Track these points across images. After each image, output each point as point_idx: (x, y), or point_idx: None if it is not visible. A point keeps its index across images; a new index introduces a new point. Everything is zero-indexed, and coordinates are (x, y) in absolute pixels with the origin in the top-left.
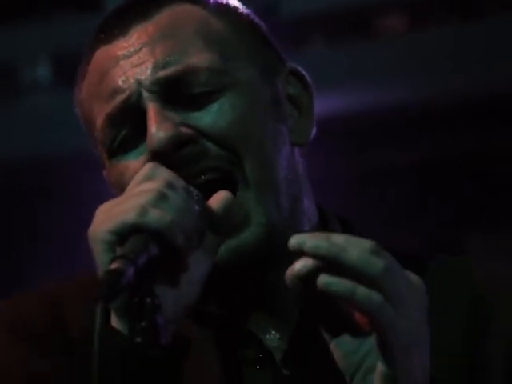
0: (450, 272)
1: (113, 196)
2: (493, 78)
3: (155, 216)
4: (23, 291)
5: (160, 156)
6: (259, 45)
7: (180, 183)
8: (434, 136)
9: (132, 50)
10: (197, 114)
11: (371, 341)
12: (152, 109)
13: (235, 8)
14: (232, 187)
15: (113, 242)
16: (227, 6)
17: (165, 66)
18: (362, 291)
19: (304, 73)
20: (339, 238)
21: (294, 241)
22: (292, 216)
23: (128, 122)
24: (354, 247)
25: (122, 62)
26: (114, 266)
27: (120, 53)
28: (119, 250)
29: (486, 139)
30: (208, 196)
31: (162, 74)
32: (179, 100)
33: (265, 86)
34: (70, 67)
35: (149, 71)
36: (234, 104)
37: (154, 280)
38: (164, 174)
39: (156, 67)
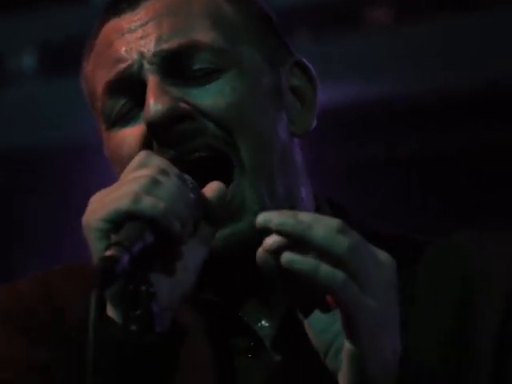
0: (443, 256)
1: (102, 185)
2: (484, 73)
3: (149, 203)
4: (18, 279)
5: (155, 128)
6: (267, 34)
7: (174, 170)
8: (423, 130)
9: (138, 23)
10: (196, 92)
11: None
12: (152, 81)
13: None
14: (226, 168)
15: (107, 230)
16: None
17: (168, 39)
18: (325, 269)
19: (309, 65)
20: (306, 216)
21: (261, 218)
22: (287, 204)
23: (127, 92)
24: (320, 225)
25: (127, 35)
26: (108, 253)
27: (126, 26)
28: (114, 238)
29: (475, 134)
30: (201, 177)
31: (165, 46)
32: (180, 75)
33: (268, 74)
34: (55, 56)
35: (152, 43)
36: (234, 86)
37: (149, 268)
38: (157, 161)
39: (160, 40)
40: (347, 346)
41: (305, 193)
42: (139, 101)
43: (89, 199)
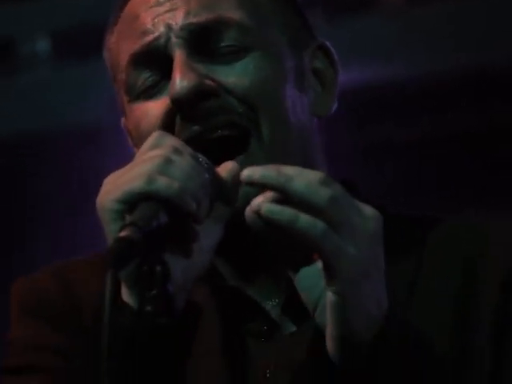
0: (456, 232)
1: (115, 169)
2: (495, 55)
3: (163, 183)
4: (37, 270)
5: (181, 104)
6: (292, 16)
7: (187, 150)
8: (435, 112)
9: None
10: (222, 69)
11: None
12: (179, 56)
13: None
14: (244, 142)
15: (121, 211)
16: None
17: (196, 14)
18: (304, 218)
19: (331, 49)
20: (290, 169)
21: (245, 172)
22: None
23: (153, 64)
24: (302, 177)
25: (154, 8)
26: (123, 233)
27: None
28: (128, 218)
29: (487, 116)
30: (220, 155)
31: (193, 20)
32: (206, 51)
33: (291, 56)
34: (69, 41)
35: (180, 17)
36: (259, 65)
37: (164, 248)
38: (171, 141)
39: (188, 14)
40: (329, 295)
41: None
42: (165, 74)
43: (101, 183)
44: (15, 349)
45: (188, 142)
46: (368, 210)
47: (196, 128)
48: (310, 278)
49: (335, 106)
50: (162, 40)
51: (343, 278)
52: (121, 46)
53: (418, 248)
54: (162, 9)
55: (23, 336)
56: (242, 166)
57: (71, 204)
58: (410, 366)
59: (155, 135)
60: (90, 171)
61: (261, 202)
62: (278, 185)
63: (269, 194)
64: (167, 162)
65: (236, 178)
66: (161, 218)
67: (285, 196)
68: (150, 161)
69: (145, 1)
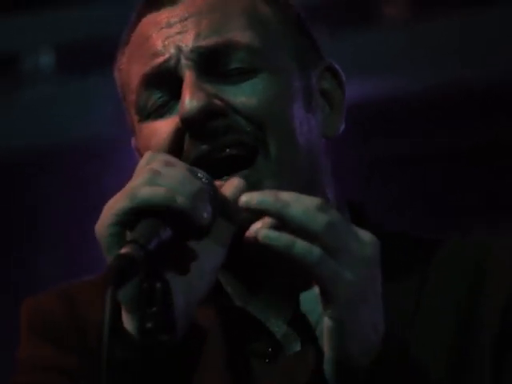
0: (460, 251)
1: (117, 185)
2: (499, 69)
3: (146, 192)
4: (44, 290)
5: (190, 123)
6: (301, 37)
7: (181, 163)
8: (440, 126)
9: (177, 19)
10: (230, 89)
11: None
12: (188, 76)
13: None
14: (251, 159)
15: (118, 234)
16: None
17: (206, 37)
18: (301, 245)
19: (339, 70)
20: (287, 195)
21: (243, 198)
22: None
23: (163, 86)
24: (299, 203)
25: (165, 29)
26: (123, 250)
27: (165, 20)
28: (129, 235)
29: (492, 130)
30: (228, 174)
31: (202, 43)
32: (215, 72)
33: (300, 77)
34: (72, 56)
35: (191, 39)
36: (267, 86)
37: (166, 265)
38: (161, 156)
39: (198, 37)
40: (326, 320)
41: (330, 194)
42: (174, 94)
43: (103, 199)
44: (23, 368)
45: (196, 160)
46: (365, 235)
47: (205, 147)
48: (309, 302)
49: (343, 127)
50: (172, 62)
51: (340, 303)
52: (131, 67)
53: (422, 266)
54: (172, 31)
55: (31, 356)
56: (247, 180)
57: (75, 218)
58: None
59: (146, 155)
60: (93, 185)
61: (258, 227)
62: (275, 211)
63: (267, 220)
64: (154, 174)
65: (241, 194)
66: (162, 234)
67: (282, 222)
68: (137, 177)
69: (156, 22)
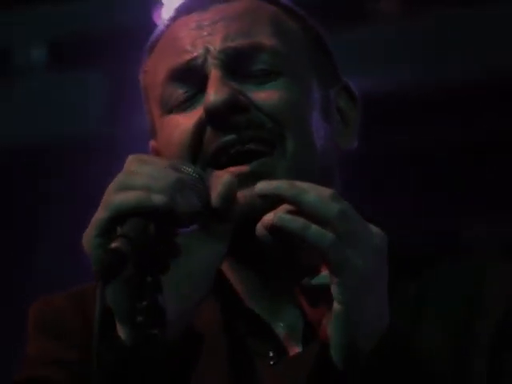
0: (460, 267)
1: (111, 179)
2: (497, 64)
3: (118, 199)
4: (57, 292)
5: (214, 115)
6: (321, 54)
7: (157, 160)
8: (436, 122)
9: (207, 22)
10: (253, 88)
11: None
12: (215, 73)
13: (305, 16)
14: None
15: (103, 244)
16: (298, 11)
17: (234, 39)
18: (314, 228)
19: (355, 91)
20: (301, 183)
21: (259, 186)
22: None
23: (188, 81)
24: (314, 191)
25: (195, 31)
26: (113, 245)
27: (195, 23)
28: (119, 230)
29: (491, 127)
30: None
31: (230, 44)
32: (240, 72)
33: (318, 89)
34: (65, 50)
35: (219, 41)
36: (288, 88)
37: (160, 264)
38: (137, 156)
39: (226, 38)
40: (334, 305)
41: None
42: (199, 90)
43: (96, 194)
44: (28, 363)
45: (217, 151)
46: (374, 227)
47: (226, 139)
48: (318, 294)
49: (356, 144)
50: (200, 60)
51: (349, 287)
52: (159, 65)
53: (418, 279)
54: (202, 32)
55: (36, 352)
56: (261, 169)
57: (65, 214)
58: (406, 379)
59: (128, 158)
60: (86, 180)
61: (273, 214)
62: (290, 196)
63: (281, 208)
64: (128, 175)
65: (229, 190)
66: (150, 227)
67: (297, 207)
68: (112, 184)
69: (186, 24)
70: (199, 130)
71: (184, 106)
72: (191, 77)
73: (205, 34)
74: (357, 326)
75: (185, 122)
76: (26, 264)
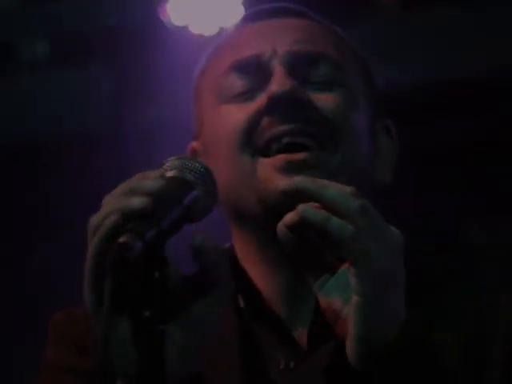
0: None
1: (114, 174)
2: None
3: (99, 229)
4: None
5: (275, 103)
6: (371, 86)
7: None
8: (440, 119)
9: (275, 28)
10: (312, 92)
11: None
12: (279, 69)
13: (356, 48)
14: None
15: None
16: (354, 44)
17: (302, 44)
18: (336, 220)
19: (395, 130)
20: (322, 180)
21: (282, 182)
22: None
23: (251, 75)
24: (335, 186)
25: (263, 34)
26: (122, 239)
27: (264, 28)
28: (128, 225)
29: (491, 125)
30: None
31: (298, 47)
32: (302, 77)
33: (368, 115)
34: (68, 46)
35: (287, 43)
36: (345, 99)
37: (163, 253)
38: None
39: (294, 42)
40: (353, 298)
41: None
42: (259, 86)
43: (101, 188)
44: (44, 369)
45: (271, 139)
46: (391, 227)
47: (282, 128)
48: (334, 291)
49: (389, 181)
50: (266, 57)
51: (368, 278)
52: (222, 60)
53: (427, 303)
54: (270, 35)
55: (53, 359)
56: (305, 162)
57: (72, 209)
58: (421, 374)
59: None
60: (89, 176)
61: (293, 212)
62: (313, 190)
63: (295, 214)
64: (104, 204)
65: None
66: (161, 223)
67: (318, 201)
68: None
69: (255, 28)
70: (256, 118)
71: (241, 97)
72: (254, 71)
73: (273, 36)
74: (375, 319)
75: (241, 111)
76: (25, 264)
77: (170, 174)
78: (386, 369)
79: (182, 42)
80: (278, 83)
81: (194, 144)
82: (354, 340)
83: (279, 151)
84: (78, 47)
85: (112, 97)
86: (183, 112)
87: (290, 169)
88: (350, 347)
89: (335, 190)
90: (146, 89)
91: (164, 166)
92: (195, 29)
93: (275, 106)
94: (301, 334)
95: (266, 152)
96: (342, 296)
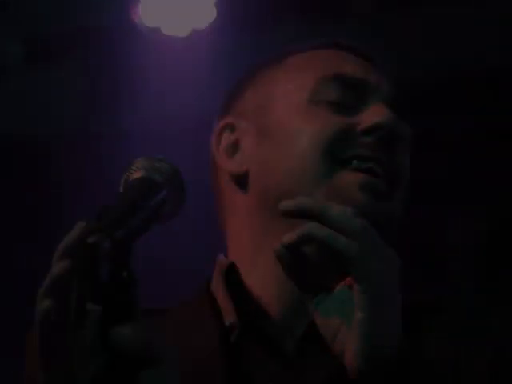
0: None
1: (90, 177)
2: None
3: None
4: None
5: (378, 129)
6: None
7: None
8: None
9: (375, 72)
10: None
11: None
12: (384, 103)
13: None
14: None
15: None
16: None
17: (392, 88)
18: (341, 238)
19: None
20: (322, 201)
21: (284, 202)
22: None
23: (350, 93)
24: (337, 207)
25: (365, 66)
26: (90, 240)
27: (365, 63)
28: (97, 224)
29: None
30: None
31: (389, 88)
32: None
33: None
34: (41, 48)
35: (389, 84)
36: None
37: (131, 254)
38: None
39: (385, 82)
40: (357, 315)
41: None
42: (354, 105)
43: (77, 190)
44: (24, 381)
45: (356, 156)
46: (389, 249)
47: (372, 153)
48: (332, 309)
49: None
50: (372, 86)
51: (372, 295)
52: (317, 63)
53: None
54: (374, 72)
55: (28, 370)
56: (380, 188)
57: (48, 211)
58: None
59: None
60: (68, 178)
61: (292, 233)
62: (316, 211)
63: (295, 234)
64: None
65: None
66: (130, 222)
67: (321, 221)
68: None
69: (345, 55)
70: (349, 129)
71: (334, 107)
72: (357, 91)
73: (376, 75)
74: (379, 334)
75: (335, 119)
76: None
77: (137, 174)
78: (388, 382)
79: (154, 44)
80: (389, 111)
81: (231, 119)
82: (357, 355)
83: (359, 169)
84: (52, 48)
85: (86, 98)
86: (156, 111)
87: (370, 189)
88: (352, 362)
89: (338, 209)
90: (120, 90)
91: (132, 167)
92: (167, 30)
93: (375, 132)
94: (291, 347)
95: (344, 163)
96: (339, 314)
